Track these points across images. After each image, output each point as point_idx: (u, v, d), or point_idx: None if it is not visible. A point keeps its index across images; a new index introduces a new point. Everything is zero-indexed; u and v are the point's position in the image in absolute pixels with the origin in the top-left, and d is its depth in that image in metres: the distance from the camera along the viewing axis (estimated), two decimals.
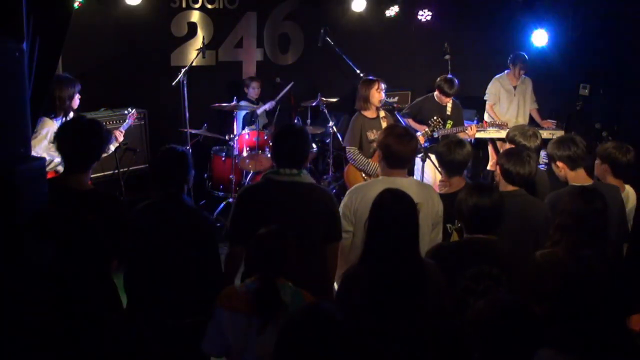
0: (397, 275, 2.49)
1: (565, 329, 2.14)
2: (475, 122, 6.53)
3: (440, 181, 3.91)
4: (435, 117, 5.48)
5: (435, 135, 5.72)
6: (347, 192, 3.42)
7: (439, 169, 3.94)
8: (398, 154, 3.31)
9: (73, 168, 3.03)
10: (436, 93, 5.93)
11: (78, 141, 3.01)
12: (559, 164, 3.67)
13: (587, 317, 2.10)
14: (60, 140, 3.04)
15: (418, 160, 4.98)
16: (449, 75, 6.02)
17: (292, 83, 7.05)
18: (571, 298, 2.19)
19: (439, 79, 5.91)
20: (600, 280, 2.16)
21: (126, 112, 5.45)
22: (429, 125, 5.49)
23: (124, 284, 3.13)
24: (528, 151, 3.59)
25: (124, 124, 5.32)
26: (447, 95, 5.81)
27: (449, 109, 5.94)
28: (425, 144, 5.62)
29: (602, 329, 2.07)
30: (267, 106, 6.87)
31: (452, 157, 3.61)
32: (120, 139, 4.98)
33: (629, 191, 3.78)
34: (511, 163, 3.40)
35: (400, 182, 3.26)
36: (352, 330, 1.92)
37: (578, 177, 3.64)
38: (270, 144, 6.20)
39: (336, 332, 1.88)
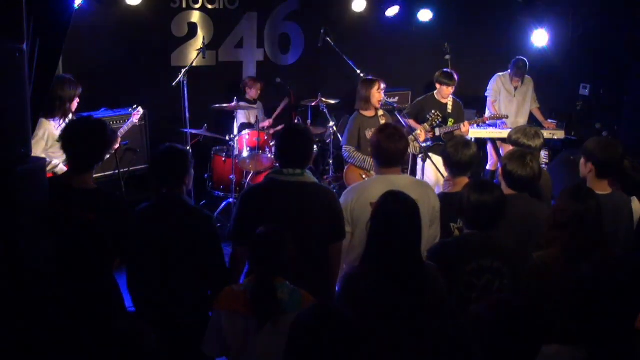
0: (398, 277, 2.50)
1: (570, 324, 2.14)
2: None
3: (445, 180, 3.92)
4: (433, 111, 5.49)
5: (437, 133, 5.72)
6: (344, 193, 3.43)
7: (441, 169, 3.94)
8: (387, 152, 3.33)
9: (77, 167, 3.04)
10: (437, 89, 5.95)
11: (83, 140, 3.01)
12: (590, 165, 3.53)
13: (593, 314, 2.09)
14: (66, 139, 3.05)
15: (420, 161, 4.99)
16: (445, 69, 6.05)
17: (286, 100, 7.14)
18: (578, 298, 2.17)
19: (436, 73, 5.96)
20: (608, 280, 2.14)
21: (130, 109, 5.44)
22: (427, 120, 5.50)
23: (127, 284, 3.13)
24: (531, 153, 3.57)
25: (127, 122, 5.31)
26: (448, 85, 5.83)
27: (449, 107, 5.95)
28: (427, 143, 5.62)
29: (608, 325, 2.06)
30: (266, 124, 6.88)
31: (459, 158, 3.62)
32: (117, 145, 4.93)
33: (635, 203, 3.76)
34: (514, 165, 3.39)
35: (395, 180, 3.27)
36: (360, 330, 1.93)
37: (598, 186, 3.49)
38: (271, 144, 6.21)
39: (346, 331, 1.88)
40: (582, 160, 3.65)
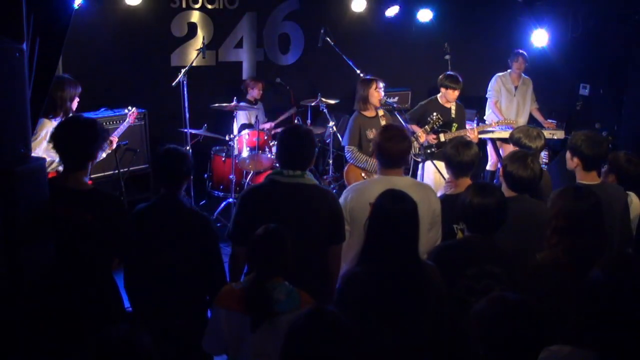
0: (396, 276, 2.49)
1: (582, 326, 2.11)
2: (475, 122, 6.47)
3: (447, 182, 3.91)
4: (435, 114, 5.45)
5: (443, 139, 5.65)
6: (344, 191, 3.43)
7: (441, 170, 3.92)
8: (391, 153, 3.32)
9: (70, 167, 3.04)
10: (441, 93, 5.85)
11: (73, 139, 3.01)
12: (576, 159, 3.63)
13: (606, 316, 2.07)
14: (56, 138, 3.05)
15: (419, 161, 4.97)
16: (449, 72, 6.00)
17: (294, 109, 7.15)
18: (590, 303, 2.13)
19: (440, 77, 5.86)
20: (621, 284, 2.10)
21: (126, 110, 5.45)
22: (428, 123, 5.46)
23: (124, 285, 3.13)
24: (532, 154, 3.57)
25: (123, 124, 5.31)
26: (454, 89, 5.71)
27: (453, 111, 5.88)
28: (432, 148, 5.58)
29: (621, 327, 2.04)
30: (267, 126, 6.88)
31: (461, 159, 3.61)
32: (114, 146, 4.93)
33: (633, 199, 3.76)
34: (514, 166, 3.38)
35: (397, 181, 3.26)
36: (355, 333, 1.92)
37: (587, 177, 3.62)
38: (271, 144, 6.21)
39: (341, 335, 1.88)
40: (568, 154, 3.71)
